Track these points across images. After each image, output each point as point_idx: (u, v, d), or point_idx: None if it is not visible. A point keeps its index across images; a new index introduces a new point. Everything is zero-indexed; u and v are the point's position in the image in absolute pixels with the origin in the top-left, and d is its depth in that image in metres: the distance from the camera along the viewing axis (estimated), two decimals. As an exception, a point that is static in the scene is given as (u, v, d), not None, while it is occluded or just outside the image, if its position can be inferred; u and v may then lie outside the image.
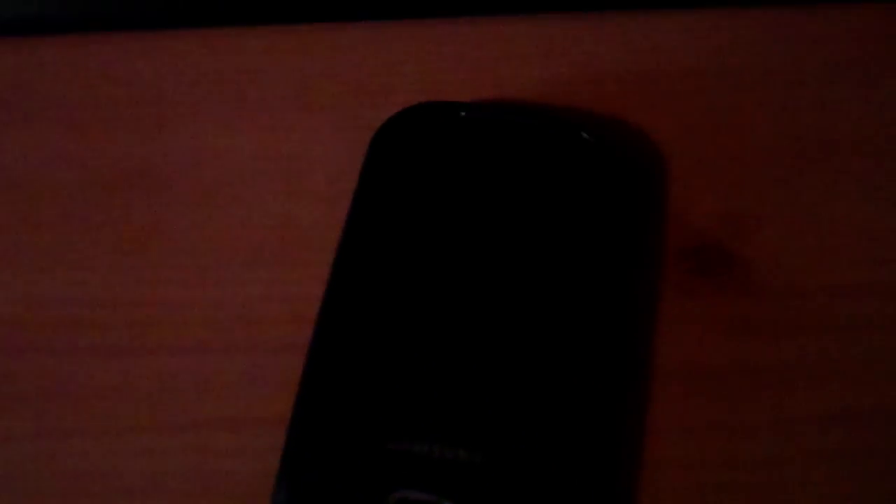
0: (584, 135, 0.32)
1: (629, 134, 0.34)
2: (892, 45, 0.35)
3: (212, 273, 0.32)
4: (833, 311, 0.31)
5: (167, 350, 0.31)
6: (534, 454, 0.27)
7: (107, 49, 0.36)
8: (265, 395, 0.30)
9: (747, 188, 0.33)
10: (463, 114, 0.32)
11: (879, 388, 0.29)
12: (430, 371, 0.28)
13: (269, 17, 0.36)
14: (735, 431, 0.29)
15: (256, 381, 0.30)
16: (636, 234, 0.32)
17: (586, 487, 0.27)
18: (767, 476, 0.28)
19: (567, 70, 0.35)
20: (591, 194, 0.31)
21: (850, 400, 0.29)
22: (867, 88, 0.34)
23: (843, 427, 0.29)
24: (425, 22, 0.36)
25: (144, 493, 0.29)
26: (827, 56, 0.35)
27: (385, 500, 0.26)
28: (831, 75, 0.35)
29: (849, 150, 0.33)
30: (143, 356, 0.31)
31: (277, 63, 0.36)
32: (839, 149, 0.33)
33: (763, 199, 0.32)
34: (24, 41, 0.36)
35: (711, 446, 0.29)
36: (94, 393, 0.30)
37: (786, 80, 0.35)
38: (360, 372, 0.29)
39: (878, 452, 0.29)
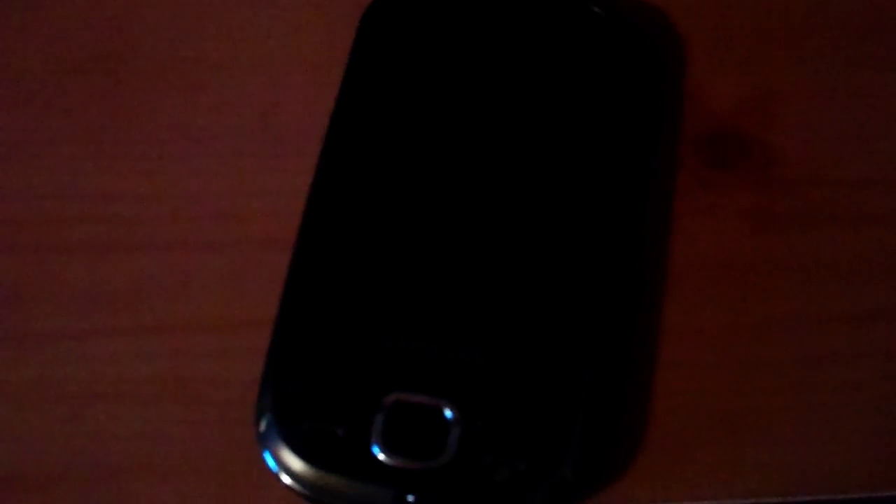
0: (595, 8, 0.29)
1: (643, 8, 0.31)
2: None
3: (189, 164, 0.30)
4: (857, 203, 0.29)
5: (141, 247, 0.29)
6: (538, 355, 0.25)
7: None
8: (248, 295, 0.28)
9: (769, 70, 0.31)
10: (462, -13, 0.30)
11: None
12: (425, 266, 0.26)
13: None
14: (754, 331, 0.27)
15: (238, 279, 0.28)
16: (649, 118, 0.30)
17: (593, 390, 0.25)
18: (792, 378, 0.27)
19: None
20: (600, 73, 0.29)
21: (881, 298, 0.28)
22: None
23: (869, 325, 0.27)
24: None
25: (119, 399, 0.27)
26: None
27: (379, 403, 0.25)
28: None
29: (881, 31, 0.31)
30: (114, 253, 0.29)
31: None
32: (871, 29, 0.31)
33: (786, 82, 0.30)
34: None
35: (730, 348, 0.27)
36: (63, 294, 0.28)
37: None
38: (351, 268, 0.27)
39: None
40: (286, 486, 0.25)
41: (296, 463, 0.24)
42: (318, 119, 0.29)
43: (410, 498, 0.24)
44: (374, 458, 0.24)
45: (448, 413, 0.25)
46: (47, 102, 0.31)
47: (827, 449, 0.26)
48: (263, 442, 0.25)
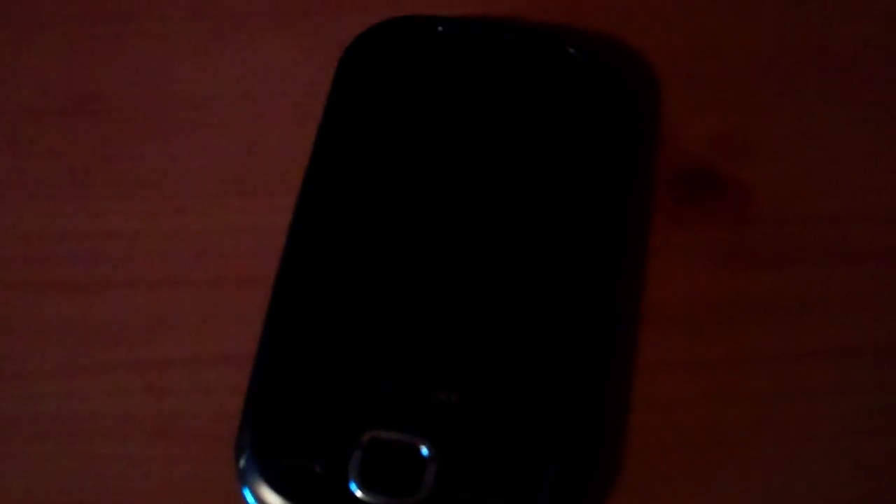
0: (570, 49, 0.30)
1: (617, 50, 0.32)
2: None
3: (171, 203, 0.30)
4: (831, 241, 0.29)
5: (123, 285, 0.29)
6: (513, 394, 0.26)
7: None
8: (229, 332, 0.28)
9: (742, 109, 0.31)
10: (440, 29, 0.30)
11: (881, 322, 0.28)
12: (403, 306, 0.27)
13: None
14: (727, 367, 0.28)
15: (219, 317, 0.28)
16: (624, 158, 0.30)
17: (567, 427, 0.26)
18: (764, 413, 0.27)
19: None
20: (576, 114, 0.29)
21: (850, 334, 0.28)
22: (872, 5, 0.32)
23: (841, 362, 0.28)
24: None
25: (101, 435, 0.27)
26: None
27: (357, 440, 0.25)
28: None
29: (851, 71, 0.31)
30: (97, 292, 0.29)
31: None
32: (840, 70, 0.31)
33: (758, 122, 0.31)
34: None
35: (704, 383, 0.27)
36: (45, 331, 0.28)
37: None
38: (329, 308, 0.27)
39: (876, 388, 0.27)
40: (265, 523, 0.25)
41: (275, 500, 0.25)
42: (298, 158, 0.29)
43: (387, 534, 0.24)
44: (352, 494, 0.24)
45: (424, 451, 0.25)
46: (31, 143, 0.31)
47: (799, 483, 0.26)
48: (243, 478, 0.25)
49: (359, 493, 0.24)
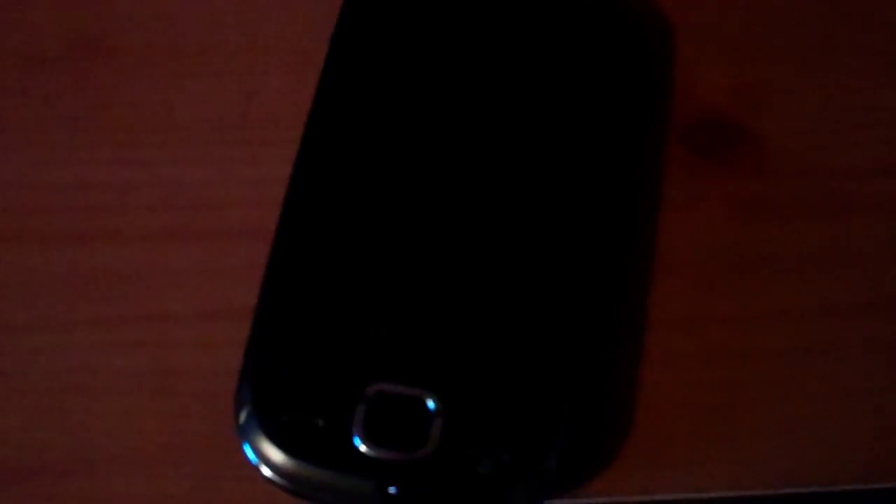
0: (585, -7, 0.29)
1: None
2: None
3: (168, 152, 0.29)
4: (847, 194, 0.29)
5: (119, 237, 0.28)
6: (522, 347, 0.25)
7: None
8: (227, 285, 0.28)
9: (759, 59, 0.30)
10: (447, -29, 0.29)
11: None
12: (407, 256, 0.26)
13: None
14: (745, 323, 0.27)
15: (218, 269, 0.28)
16: (637, 107, 0.29)
17: (578, 381, 0.25)
18: (780, 371, 0.27)
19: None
20: (589, 61, 0.28)
21: (865, 288, 0.27)
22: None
23: (858, 317, 0.27)
24: None
25: (97, 391, 0.27)
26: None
27: (360, 393, 0.24)
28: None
29: (875, 21, 0.31)
30: (92, 243, 0.28)
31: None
32: (861, 23, 0.31)
33: (775, 73, 0.30)
34: None
35: (717, 338, 0.27)
36: (38, 284, 0.28)
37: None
38: (331, 259, 0.26)
39: (893, 345, 0.27)
40: (266, 479, 0.24)
41: (276, 455, 0.24)
42: (298, 108, 0.28)
43: (392, 489, 0.24)
44: (355, 449, 0.24)
45: (430, 404, 0.24)
46: (24, 91, 0.30)
47: (813, 441, 0.26)
48: (243, 434, 0.24)
49: (363, 448, 0.24)
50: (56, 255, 0.28)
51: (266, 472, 0.24)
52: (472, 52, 0.28)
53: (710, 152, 0.29)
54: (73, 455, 0.26)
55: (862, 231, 0.28)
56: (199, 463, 0.26)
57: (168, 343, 0.27)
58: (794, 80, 0.30)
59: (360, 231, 0.26)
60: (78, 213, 0.28)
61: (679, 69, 0.30)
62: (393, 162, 0.27)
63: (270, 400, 0.25)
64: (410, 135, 0.27)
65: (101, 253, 0.28)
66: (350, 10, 0.29)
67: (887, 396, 0.26)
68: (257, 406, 0.24)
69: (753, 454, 0.26)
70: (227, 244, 0.28)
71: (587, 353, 0.25)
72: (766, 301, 0.27)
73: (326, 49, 0.29)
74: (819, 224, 0.28)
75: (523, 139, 0.27)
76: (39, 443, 0.26)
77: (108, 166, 0.29)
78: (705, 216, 0.28)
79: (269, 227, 0.27)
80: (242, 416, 0.25)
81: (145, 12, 0.31)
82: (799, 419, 0.26)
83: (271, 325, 0.25)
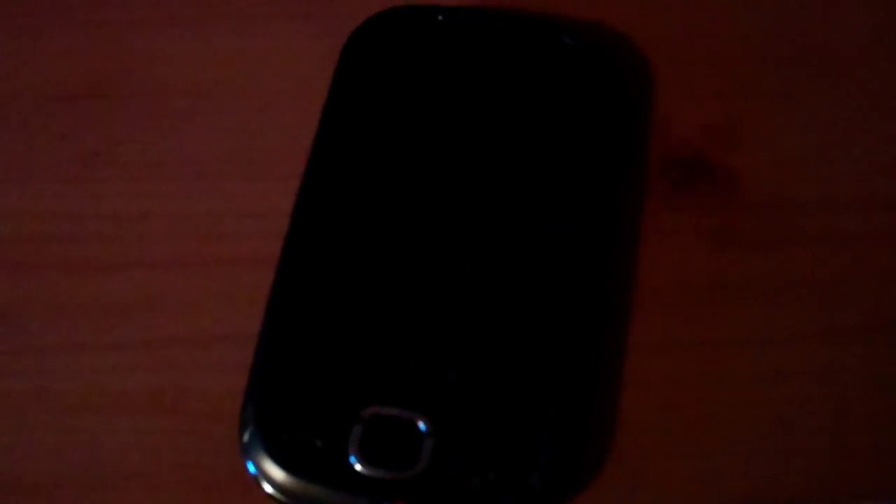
0: (566, 39, 0.30)
1: (612, 39, 0.32)
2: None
3: (177, 186, 0.31)
4: (819, 225, 0.30)
5: (131, 265, 0.30)
6: (508, 372, 0.26)
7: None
8: (234, 312, 0.29)
9: (733, 97, 0.31)
10: (440, 18, 0.31)
11: (867, 304, 0.29)
12: (403, 287, 0.28)
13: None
14: (719, 347, 0.28)
15: (224, 296, 0.29)
16: (618, 144, 0.31)
17: (561, 405, 0.26)
18: (753, 393, 0.28)
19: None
20: (571, 101, 0.30)
21: (839, 316, 0.29)
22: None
23: (829, 342, 0.28)
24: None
25: (111, 410, 0.28)
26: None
27: (357, 415, 0.26)
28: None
29: (842, 61, 0.32)
30: (105, 271, 0.30)
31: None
32: (832, 59, 0.32)
33: (749, 110, 0.31)
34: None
35: (695, 363, 0.28)
36: (55, 309, 0.29)
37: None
38: (331, 287, 0.28)
39: (865, 368, 0.28)
40: (268, 495, 0.26)
41: (277, 472, 0.26)
42: (301, 143, 0.30)
43: (385, 506, 0.25)
44: (352, 468, 0.25)
45: (422, 426, 0.26)
46: (43, 127, 0.32)
47: (788, 460, 0.27)
48: (246, 452, 0.26)
49: (358, 467, 0.25)
50: (75, 282, 0.29)
51: (267, 488, 0.26)
52: (461, 96, 0.30)
53: (684, 186, 0.30)
54: (89, 471, 0.27)
55: (829, 260, 0.29)
56: (205, 480, 0.27)
57: (178, 365, 0.28)
58: (764, 116, 0.31)
59: (358, 262, 0.28)
60: (95, 243, 0.30)
61: (657, 107, 0.31)
62: (389, 197, 0.29)
63: (272, 420, 0.26)
64: (404, 174, 0.29)
65: (116, 280, 0.29)
66: (349, 54, 0.31)
67: (854, 418, 0.27)
68: (260, 426, 0.26)
69: (729, 474, 0.27)
70: (234, 272, 0.29)
71: (569, 377, 0.27)
72: (738, 327, 0.28)
73: (327, 91, 0.30)
74: (788, 253, 0.29)
75: (511, 179, 0.29)
76: (57, 460, 0.27)
77: (123, 199, 0.30)
78: (682, 247, 0.29)
79: (273, 256, 0.28)
80: (246, 436, 0.26)
81: (160, 54, 0.33)
82: (772, 438, 0.27)
83: (274, 349, 0.27)
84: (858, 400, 0.28)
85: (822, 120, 0.31)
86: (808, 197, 0.30)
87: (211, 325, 0.29)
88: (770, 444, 0.27)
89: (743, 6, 0.33)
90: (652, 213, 0.30)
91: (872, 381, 0.28)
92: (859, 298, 0.29)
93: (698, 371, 0.28)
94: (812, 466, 0.27)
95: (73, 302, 0.29)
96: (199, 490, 0.27)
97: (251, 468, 0.26)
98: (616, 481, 0.27)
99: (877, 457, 0.27)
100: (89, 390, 0.28)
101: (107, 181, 0.31)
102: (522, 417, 0.26)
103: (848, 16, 0.33)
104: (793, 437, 0.27)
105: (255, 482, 0.26)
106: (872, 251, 0.29)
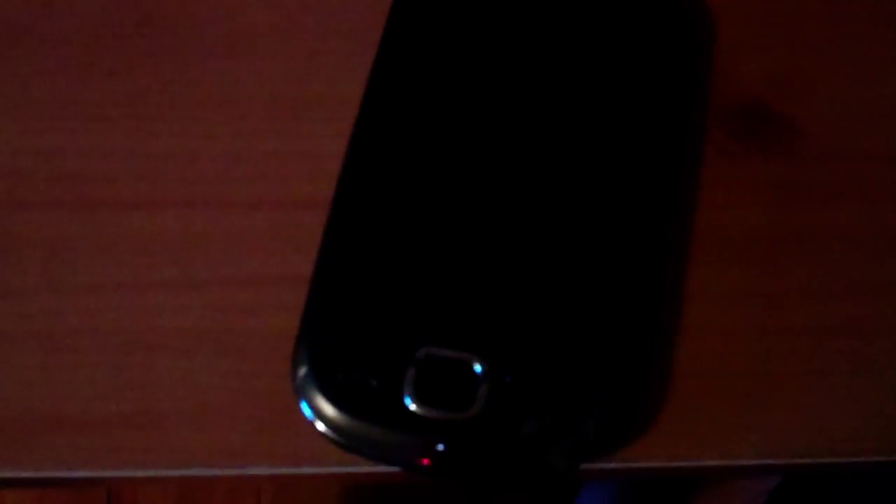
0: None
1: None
2: None
3: (230, 126, 0.30)
4: (880, 179, 0.29)
5: (182, 204, 0.30)
6: (566, 316, 0.26)
7: None
8: (286, 252, 0.29)
9: (797, 48, 0.31)
10: (499, -39, 0.30)
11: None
12: (459, 227, 0.27)
13: None
14: (778, 299, 0.28)
15: (277, 237, 0.29)
16: (680, 91, 0.30)
17: (618, 350, 0.26)
18: (808, 345, 0.28)
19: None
20: (633, 46, 0.29)
21: (894, 269, 0.28)
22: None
23: (888, 297, 0.28)
24: None
25: (162, 349, 0.28)
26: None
27: (411, 356, 0.26)
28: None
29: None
30: (156, 210, 0.29)
31: None
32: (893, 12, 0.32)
33: (813, 61, 0.31)
34: None
35: (751, 314, 0.28)
36: (107, 248, 0.29)
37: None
38: (384, 228, 0.27)
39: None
40: (321, 434, 0.25)
41: (330, 411, 0.25)
42: (354, 85, 0.29)
43: (440, 447, 0.25)
44: (406, 408, 0.25)
45: (477, 367, 0.25)
46: (91, 65, 0.31)
47: (837, 415, 0.27)
48: (300, 392, 0.26)
49: (413, 407, 0.25)
50: (124, 221, 0.29)
51: (321, 427, 0.25)
52: (521, 38, 0.29)
53: (746, 136, 0.30)
54: (140, 408, 0.27)
55: (891, 213, 0.29)
56: (257, 419, 0.27)
57: (230, 306, 0.28)
58: (827, 67, 0.31)
59: (412, 203, 0.28)
60: (144, 182, 0.30)
61: (719, 56, 0.31)
62: (444, 139, 0.28)
63: (326, 360, 0.26)
64: (459, 114, 0.29)
65: (166, 219, 0.29)
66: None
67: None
68: (314, 365, 0.26)
69: (780, 425, 0.27)
70: (286, 214, 0.29)
71: (627, 324, 0.27)
72: (797, 279, 0.28)
73: (380, 34, 0.30)
74: (849, 205, 0.29)
75: (570, 124, 0.28)
76: (109, 396, 0.27)
77: (172, 138, 0.30)
78: (741, 196, 0.29)
79: (326, 198, 0.28)
80: (300, 375, 0.26)
81: (211, -5, 0.32)
82: (825, 393, 0.27)
83: (327, 290, 0.27)
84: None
85: (887, 71, 0.31)
86: (871, 148, 0.30)
87: (261, 266, 0.29)
88: (825, 397, 0.27)
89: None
90: (713, 162, 0.30)
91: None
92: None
93: (755, 322, 0.28)
94: (870, 421, 0.27)
95: (123, 240, 0.29)
96: (252, 429, 0.27)
97: (305, 408, 0.26)
98: (670, 429, 0.27)
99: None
100: (141, 329, 0.28)
101: (155, 119, 0.31)
102: (579, 363, 0.26)
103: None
104: (849, 391, 0.27)
105: (308, 422, 0.26)
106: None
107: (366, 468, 0.27)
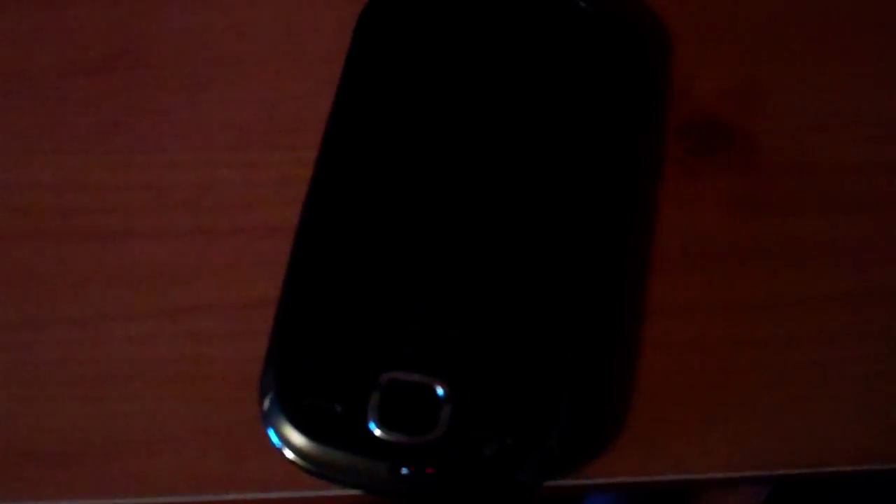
0: (583, 4, 0.30)
1: (629, 3, 0.32)
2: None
3: (197, 156, 0.31)
4: (837, 189, 0.30)
5: (152, 234, 0.30)
6: (526, 336, 0.27)
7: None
8: (253, 279, 0.29)
9: (753, 63, 0.31)
10: (456, -16, 0.31)
11: (886, 268, 0.29)
12: (421, 251, 0.28)
13: None
14: (738, 311, 0.28)
15: (244, 264, 0.29)
16: (636, 109, 0.31)
17: (579, 368, 0.27)
18: (771, 357, 0.28)
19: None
20: (588, 67, 0.30)
21: (855, 279, 0.29)
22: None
23: (849, 306, 0.28)
24: None
25: (131, 379, 0.28)
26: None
27: (375, 381, 0.26)
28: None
29: (862, 27, 0.32)
30: (127, 240, 0.30)
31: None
32: (849, 24, 0.32)
33: (768, 75, 0.31)
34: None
35: (714, 326, 0.28)
36: (78, 279, 0.30)
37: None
38: (348, 254, 0.28)
39: (883, 332, 0.28)
40: (288, 460, 0.26)
41: (297, 438, 0.26)
42: (319, 112, 0.30)
43: (404, 470, 0.25)
44: (371, 433, 0.26)
45: (440, 391, 0.26)
46: (63, 99, 0.32)
47: (804, 425, 0.27)
48: (267, 419, 0.26)
49: (377, 432, 0.26)
50: (97, 253, 0.30)
51: (288, 454, 0.26)
52: (479, 63, 0.30)
53: (704, 151, 0.30)
54: (113, 439, 0.28)
55: (849, 224, 0.29)
56: (227, 446, 0.27)
57: (199, 334, 0.29)
58: (782, 80, 0.31)
59: (375, 229, 0.28)
60: (116, 214, 0.30)
61: (675, 72, 0.31)
62: (406, 164, 0.29)
63: (292, 386, 0.26)
64: (423, 139, 0.29)
65: (137, 249, 0.30)
66: (365, 22, 0.31)
67: (875, 382, 0.28)
68: (280, 392, 0.26)
69: (746, 437, 0.27)
70: (252, 241, 0.30)
71: (587, 341, 0.27)
72: (758, 291, 0.28)
73: (343, 59, 0.30)
74: (808, 217, 0.29)
75: (530, 141, 0.29)
76: (83, 428, 0.28)
77: (143, 169, 0.31)
78: (701, 211, 0.29)
79: (291, 224, 0.28)
80: (266, 402, 0.26)
81: (178, 25, 0.33)
82: (790, 403, 0.27)
83: (293, 316, 0.27)
84: (878, 363, 0.28)
85: (841, 84, 0.31)
86: (827, 161, 0.30)
87: (231, 293, 0.29)
88: (790, 407, 0.27)
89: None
90: (672, 177, 0.30)
91: (892, 345, 0.28)
92: (878, 262, 0.29)
93: (717, 336, 0.28)
94: (835, 429, 0.27)
95: (96, 273, 0.30)
96: (222, 456, 0.27)
97: (272, 434, 0.26)
98: (634, 445, 0.27)
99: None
100: (109, 359, 0.29)
101: (127, 151, 0.31)
102: (540, 382, 0.26)
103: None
104: (814, 401, 0.27)
105: (276, 449, 0.26)
106: (888, 215, 0.29)
107: (336, 492, 0.27)
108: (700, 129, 0.30)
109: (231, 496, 0.27)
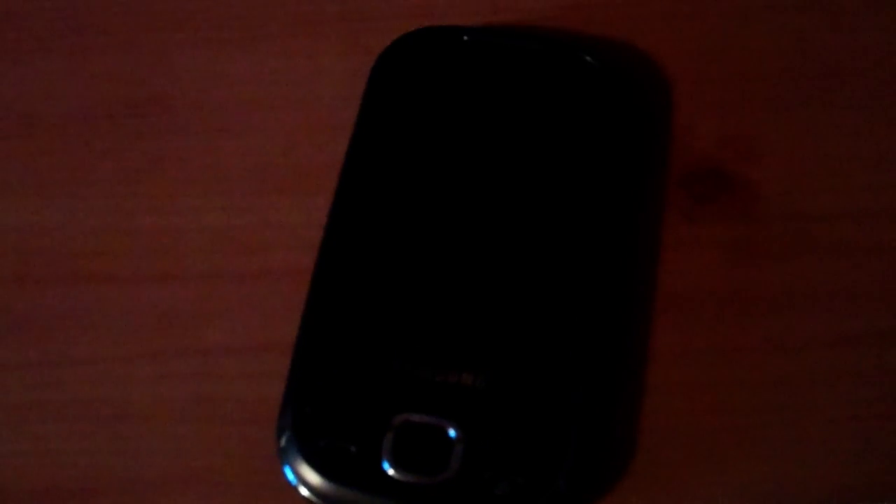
0: (587, 58, 0.31)
1: (633, 56, 0.33)
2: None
3: (216, 200, 0.32)
4: (836, 236, 0.31)
5: (172, 277, 0.31)
6: (534, 379, 0.27)
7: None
8: (270, 322, 0.30)
9: (751, 112, 0.32)
10: (465, 38, 0.32)
11: (882, 314, 0.30)
12: (433, 296, 0.29)
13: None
14: (738, 355, 0.29)
15: (262, 307, 0.30)
16: (639, 159, 0.31)
17: (586, 411, 0.27)
18: (770, 399, 0.29)
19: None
20: (593, 118, 0.31)
21: (853, 324, 0.29)
22: (878, 14, 0.34)
23: (844, 350, 0.29)
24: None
25: (150, 419, 0.29)
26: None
27: (389, 423, 0.27)
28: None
29: (856, 76, 0.33)
30: (147, 283, 0.31)
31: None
32: (847, 74, 0.33)
33: (767, 124, 0.32)
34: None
35: (714, 370, 0.29)
36: (99, 321, 0.30)
37: (795, 3, 0.34)
38: (364, 298, 0.29)
39: (879, 375, 0.29)
40: (304, 499, 0.27)
41: (313, 477, 0.27)
42: (334, 158, 0.31)
43: (417, 510, 0.26)
44: (384, 473, 0.26)
45: (451, 432, 0.27)
46: (87, 145, 0.33)
47: (806, 465, 0.28)
48: (283, 457, 0.27)
49: (391, 472, 0.26)
50: (116, 295, 0.31)
51: (304, 492, 0.27)
52: (487, 114, 0.31)
53: (705, 198, 0.31)
54: (129, 477, 0.28)
55: (844, 270, 0.30)
56: (243, 484, 0.28)
57: (215, 374, 0.29)
58: (782, 130, 0.32)
59: (389, 274, 0.29)
60: (136, 257, 0.31)
61: (677, 122, 0.32)
62: (416, 212, 0.30)
63: (308, 427, 0.27)
64: (432, 187, 0.30)
65: (155, 292, 0.31)
66: (379, 73, 0.32)
67: (870, 423, 0.28)
68: (296, 432, 0.27)
69: (746, 476, 0.28)
70: (269, 284, 0.30)
71: (593, 384, 0.28)
72: (757, 334, 0.29)
73: (358, 109, 0.31)
74: (804, 264, 0.30)
75: (538, 189, 0.30)
76: (97, 466, 0.29)
77: (163, 214, 0.32)
78: (701, 257, 0.30)
79: (308, 268, 0.29)
80: (283, 441, 0.27)
81: (199, 74, 0.34)
82: (790, 444, 0.28)
83: (310, 358, 0.28)
84: (873, 406, 0.29)
85: (838, 133, 0.32)
86: (824, 208, 0.31)
87: (248, 335, 0.30)
88: (790, 449, 0.28)
89: (760, 22, 0.34)
90: (673, 224, 0.31)
91: (888, 387, 0.29)
92: (874, 308, 0.30)
93: (718, 378, 0.29)
94: (832, 470, 0.28)
95: (115, 314, 0.30)
96: (238, 495, 0.28)
97: (288, 473, 0.27)
98: (639, 485, 0.28)
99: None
100: (128, 399, 0.29)
101: (147, 197, 0.32)
102: (548, 423, 0.27)
103: (865, 31, 0.33)
104: (812, 442, 0.28)
105: (291, 487, 0.27)
106: (886, 261, 0.30)
107: (350, 529, 0.28)
108: (700, 177, 0.31)
109: (247, 533, 0.28)
